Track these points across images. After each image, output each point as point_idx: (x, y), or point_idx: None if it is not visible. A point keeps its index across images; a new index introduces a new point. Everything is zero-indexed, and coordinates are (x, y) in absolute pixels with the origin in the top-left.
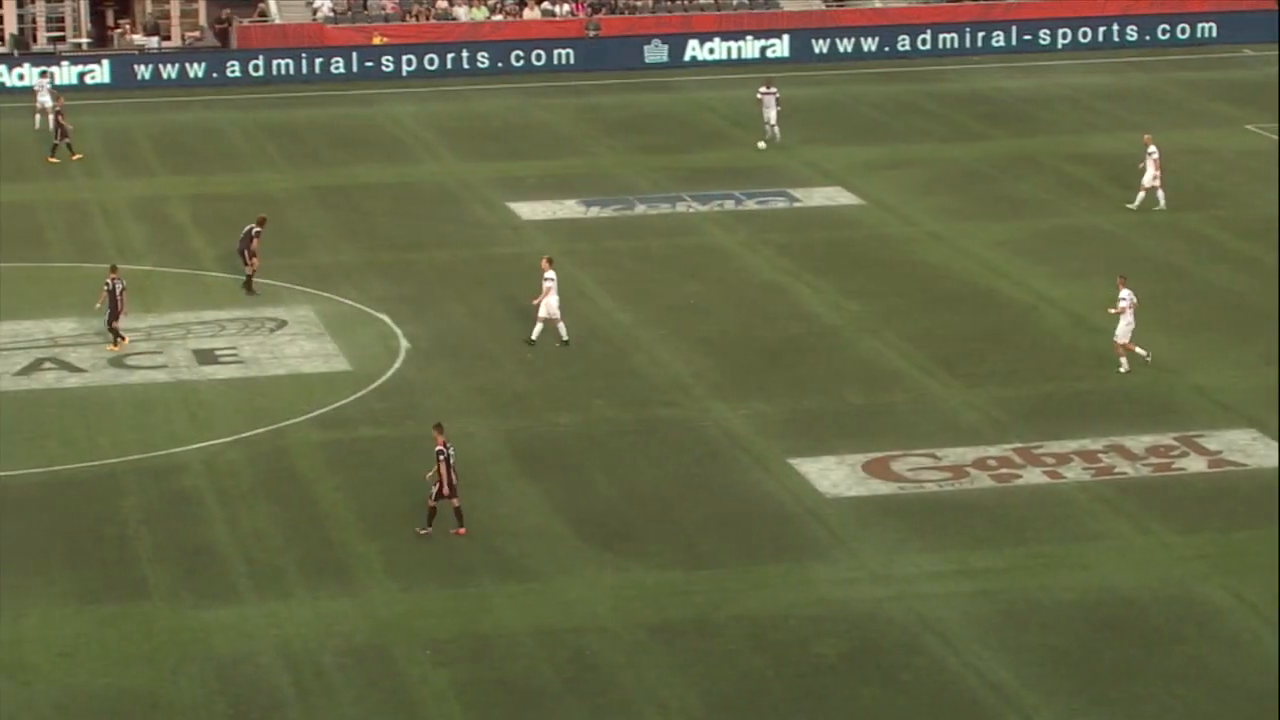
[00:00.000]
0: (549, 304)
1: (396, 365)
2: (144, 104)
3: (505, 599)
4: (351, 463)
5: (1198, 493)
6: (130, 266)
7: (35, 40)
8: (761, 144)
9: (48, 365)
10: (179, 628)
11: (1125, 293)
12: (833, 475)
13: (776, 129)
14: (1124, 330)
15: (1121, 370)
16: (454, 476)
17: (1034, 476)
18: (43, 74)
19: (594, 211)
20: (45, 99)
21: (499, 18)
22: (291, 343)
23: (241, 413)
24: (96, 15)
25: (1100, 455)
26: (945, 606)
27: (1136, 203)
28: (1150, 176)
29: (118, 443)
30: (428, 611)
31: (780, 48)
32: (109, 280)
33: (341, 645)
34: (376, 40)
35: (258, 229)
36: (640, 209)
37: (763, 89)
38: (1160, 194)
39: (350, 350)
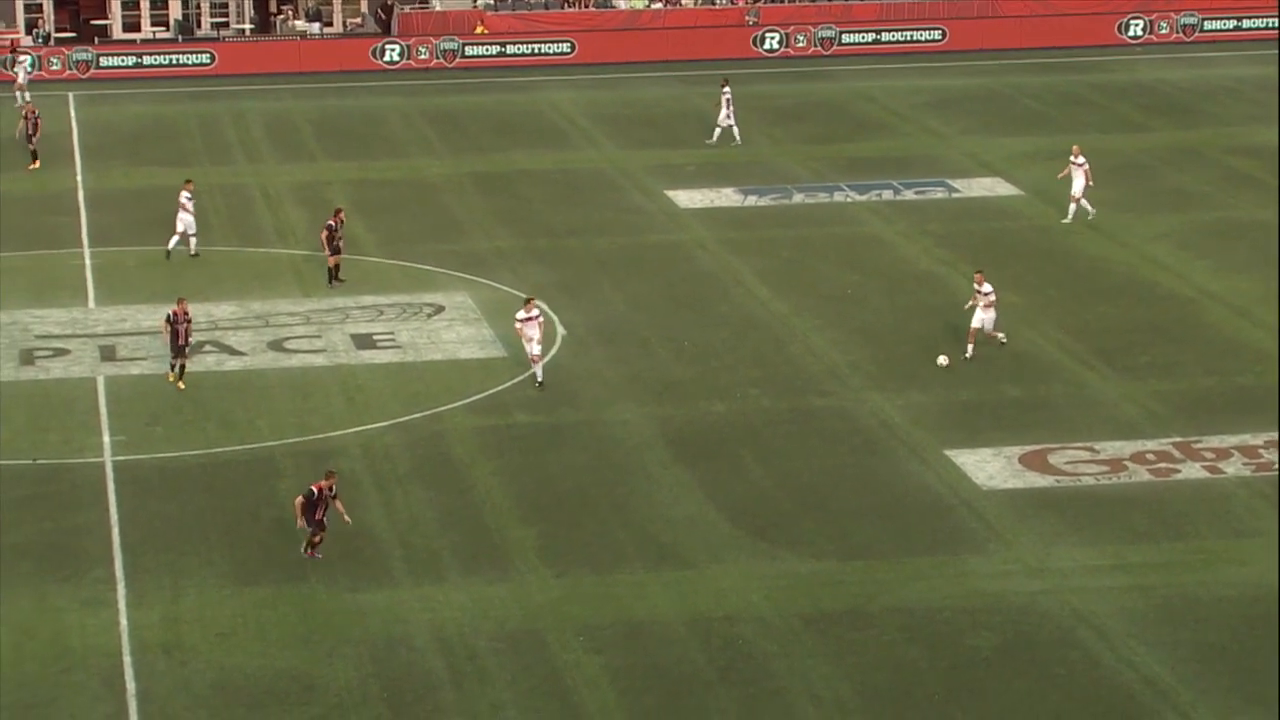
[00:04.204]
0: (533, 338)
1: (553, 352)
2: (305, 89)
3: (659, 586)
4: (506, 448)
5: None
6: (291, 251)
7: (199, 26)
8: (711, 141)
9: (208, 348)
10: (335, 610)
11: (988, 287)
12: (989, 467)
13: (735, 129)
14: (990, 320)
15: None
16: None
17: (1193, 471)
18: (17, 55)
19: (751, 200)
20: (21, 83)
21: (658, 6)
22: (449, 328)
23: (398, 397)
24: (259, 1)
25: (1261, 451)
26: (1101, 601)
27: (1070, 215)
28: (1079, 187)
29: (276, 426)
30: (581, 597)
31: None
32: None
33: (495, 630)
34: (479, 30)
35: (333, 222)
36: (798, 198)
37: (726, 89)
38: (1087, 203)
39: (507, 336)
